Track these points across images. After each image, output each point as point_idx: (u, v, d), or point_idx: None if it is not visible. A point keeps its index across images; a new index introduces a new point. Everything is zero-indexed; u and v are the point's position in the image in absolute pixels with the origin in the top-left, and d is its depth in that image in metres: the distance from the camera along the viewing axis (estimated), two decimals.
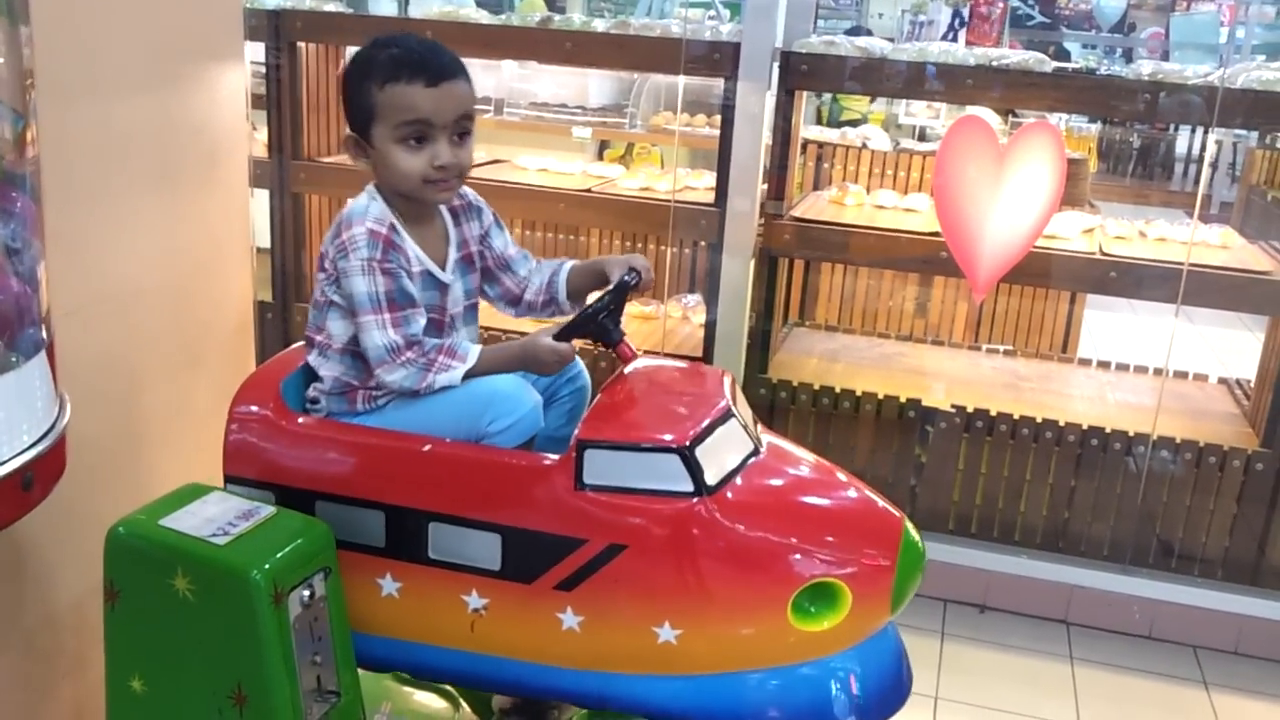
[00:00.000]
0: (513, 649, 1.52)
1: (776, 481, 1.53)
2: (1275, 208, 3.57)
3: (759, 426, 1.63)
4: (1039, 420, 2.82)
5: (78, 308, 1.62)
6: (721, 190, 2.85)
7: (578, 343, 1.61)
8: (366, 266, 1.52)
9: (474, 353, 1.55)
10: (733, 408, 1.54)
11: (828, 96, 6.51)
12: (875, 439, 2.94)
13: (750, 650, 1.47)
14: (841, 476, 1.57)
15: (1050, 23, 10.41)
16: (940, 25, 7.24)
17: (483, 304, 1.77)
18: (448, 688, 1.88)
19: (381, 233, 1.53)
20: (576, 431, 1.46)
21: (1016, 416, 2.83)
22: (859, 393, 2.93)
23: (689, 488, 1.42)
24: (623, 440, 1.45)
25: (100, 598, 1.44)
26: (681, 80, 3.21)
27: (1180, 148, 9.87)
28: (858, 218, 3.12)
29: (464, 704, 1.86)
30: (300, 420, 1.58)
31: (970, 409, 2.86)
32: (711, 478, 1.44)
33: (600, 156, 4.80)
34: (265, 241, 3.21)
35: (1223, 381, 3.29)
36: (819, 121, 5.85)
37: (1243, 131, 6.43)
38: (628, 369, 1.62)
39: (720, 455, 1.47)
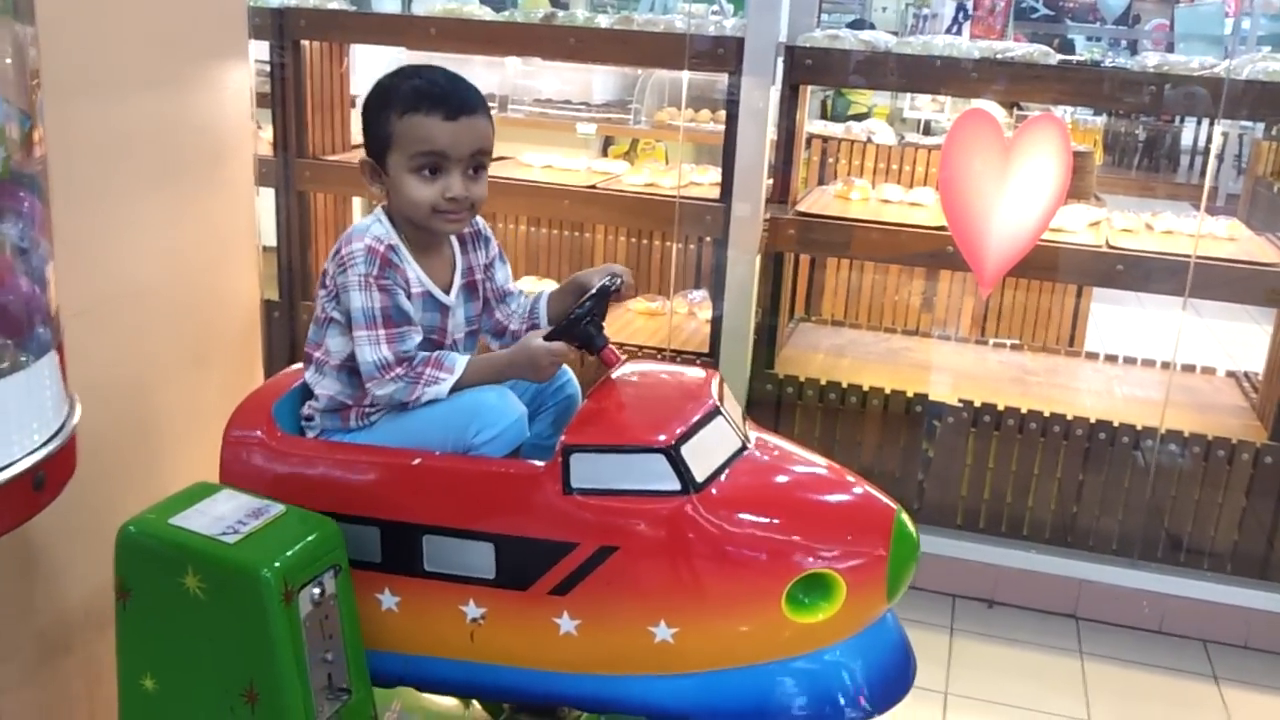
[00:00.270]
0: (513, 657, 1.52)
1: (765, 475, 1.53)
2: None
3: (748, 425, 1.62)
4: (1046, 414, 2.81)
5: (86, 308, 1.62)
6: (727, 186, 2.85)
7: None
8: (363, 282, 1.53)
9: (460, 363, 1.56)
10: (719, 406, 1.54)
11: (831, 91, 6.50)
12: (882, 434, 2.94)
13: (748, 645, 1.47)
14: (832, 468, 1.57)
15: (1054, 15, 10.39)
16: (944, 18, 7.22)
17: None
18: None
19: (379, 250, 1.55)
20: (562, 437, 1.46)
21: (1024, 410, 2.83)
22: (866, 388, 2.93)
23: (676, 486, 1.43)
24: (608, 443, 1.45)
25: (111, 596, 1.45)
26: (686, 76, 3.21)
27: (1185, 140, 9.84)
28: (863, 212, 3.11)
29: (474, 702, 1.86)
30: (293, 441, 1.60)
31: (977, 403, 2.86)
32: (699, 475, 1.44)
33: (604, 153, 4.80)
34: (271, 240, 3.21)
35: (1231, 374, 3.28)
36: (823, 116, 5.84)
37: (1249, 123, 6.41)
38: (613, 374, 1.62)
39: (707, 453, 1.47)
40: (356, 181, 1.80)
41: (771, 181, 2.89)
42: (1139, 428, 2.77)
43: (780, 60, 2.77)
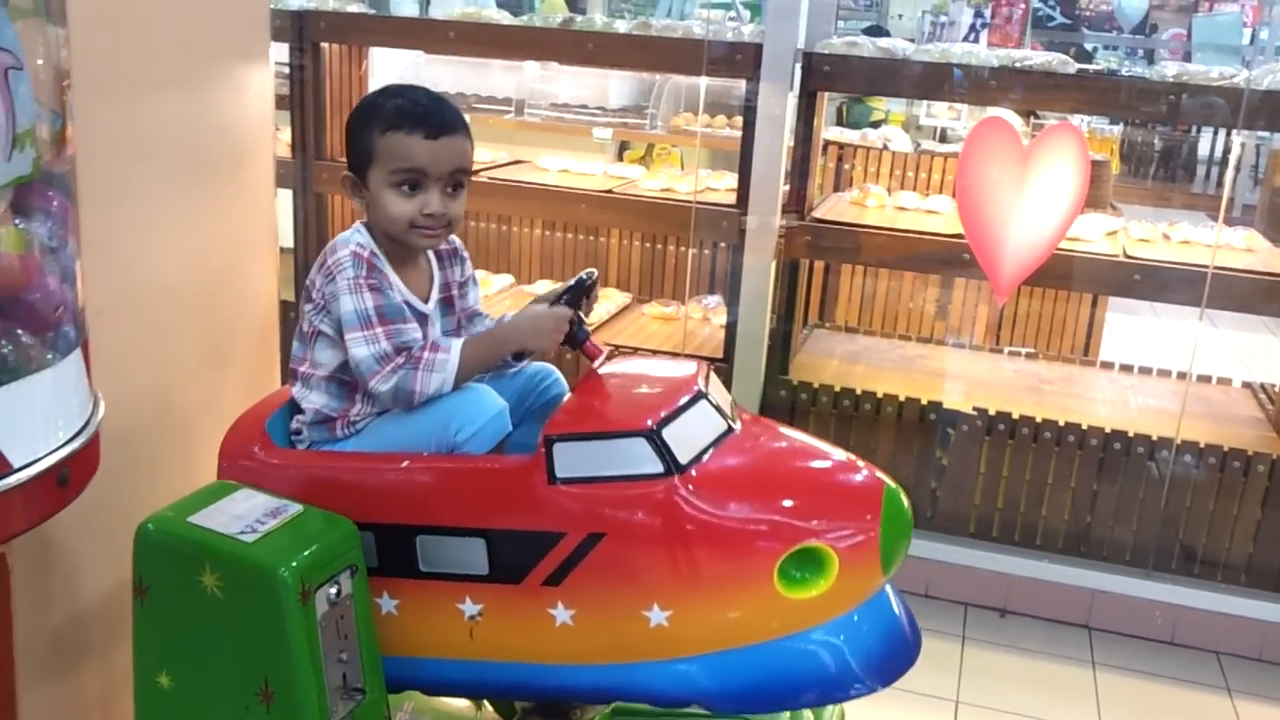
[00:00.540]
0: (513, 652, 1.52)
1: (751, 454, 1.52)
2: None
3: (738, 411, 1.61)
4: (1061, 424, 2.81)
5: (107, 306, 1.63)
6: (743, 192, 2.85)
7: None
8: (353, 285, 1.55)
9: (457, 342, 1.57)
10: (704, 391, 1.54)
11: (848, 98, 6.49)
12: (896, 441, 2.93)
13: (744, 624, 1.46)
14: (820, 446, 1.56)
15: (1071, 24, 10.36)
16: (961, 26, 7.21)
17: None
18: None
19: (364, 255, 1.57)
20: (544, 428, 1.47)
21: (1038, 420, 2.82)
22: (880, 395, 2.93)
23: (659, 469, 1.42)
24: (590, 430, 1.45)
25: (128, 594, 1.45)
26: (703, 81, 3.21)
27: (1202, 150, 9.80)
28: (879, 219, 3.11)
29: (486, 703, 1.87)
30: (285, 453, 1.62)
31: (992, 412, 2.85)
32: (682, 457, 1.44)
33: (620, 157, 4.81)
34: (288, 241, 3.23)
35: (1247, 386, 3.26)
36: (839, 122, 5.83)
37: (1265, 134, 6.38)
38: (597, 366, 1.63)
39: (691, 435, 1.47)
40: None
41: (788, 188, 2.90)
42: (1154, 438, 2.77)
43: (798, 66, 2.77)
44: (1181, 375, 3.16)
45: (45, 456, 1.02)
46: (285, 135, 3.22)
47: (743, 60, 2.78)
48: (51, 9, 0.98)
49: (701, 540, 1.43)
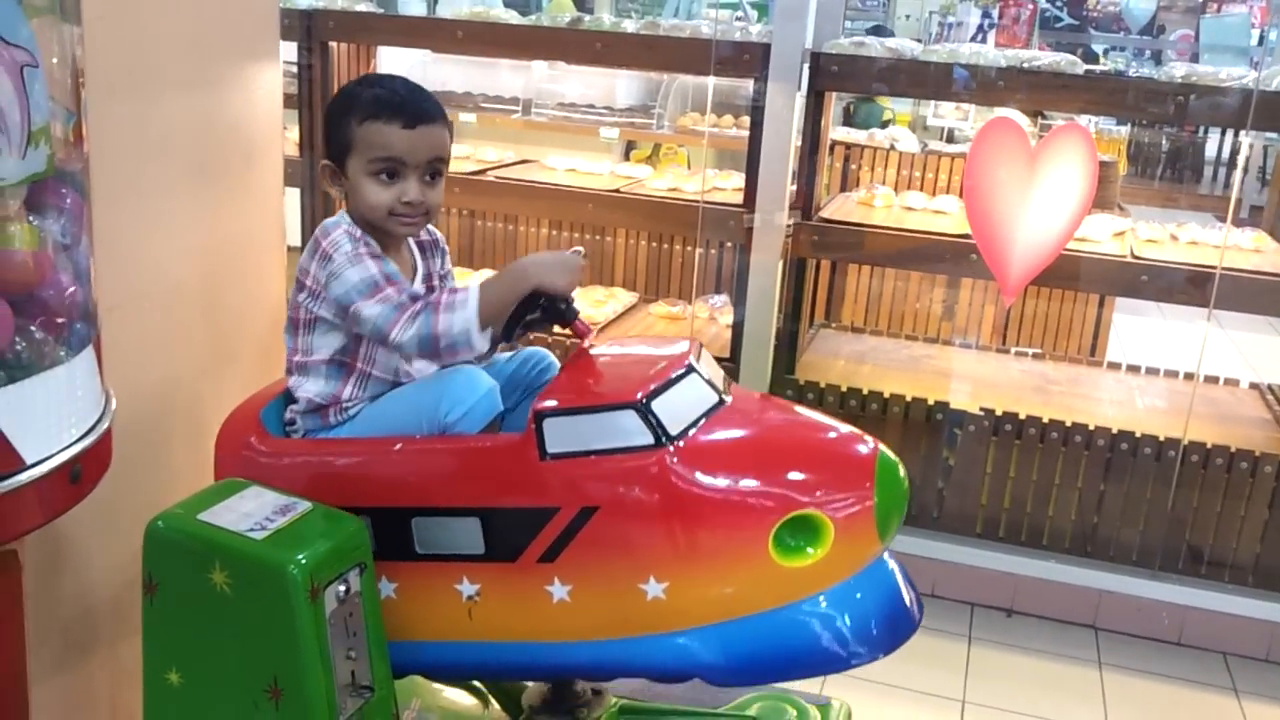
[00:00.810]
0: (512, 631, 1.52)
1: (742, 424, 1.52)
2: None
3: (730, 385, 1.61)
4: (1068, 424, 2.80)
5: (118, 303, 1.64)
6: (750, 191, 2.85)
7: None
8: (354, 257, 1.57)
9: (474, 284, 1.56)
10: (693, 365, 1.54)
11: (856, 98, 6.49)
12: (902, 441, 2.93)
13: (741, 594, 1.45)
14: (815, 417, 1.56)
15: (1079, 25, 10.35)
16: (969, 27, 7.21)
17: None
18: (476, 684, 1.89)
19: (356, 234, 1.60)
20: (534, 404, 1.47)
21: (1045, 420, 2.82)
22: (886, 395, 2.92)
23: (650, 440, 1.43)
24: (579, 404, 1.46)
25: (138, 591, 1.46)
26: (711, 81, 3.21)
27: (1210, 151, 9.77)
28: (886, 219, 3.11)
29: (493, 701, 1.87)
30: (280, 442, 1.63)
31: (999, 412, 2.85)
32: (673, 429, 1.44)
33: (626, 157, 4.81)
34: (295, 239, 3.23)
35: (1254, 386, 3.26)
36: (845, 122, 5.83)
37: (1274, 135, 6.37)
38: (587, 345, 1.63)
39: (681, 407, 1.47)
40: None
41: (794, 188, 2.90)
42: (1161, 439, 2.76)
43: (805, 66, 2.77)
44: (1189, 376, 3.16)
45: (58, 453, 1.02)
46: (292, 134, 3.22)
47: (750, 60, 2.78)
48: (66, 7, 0.99)
49: (694, 511, 1.43)
